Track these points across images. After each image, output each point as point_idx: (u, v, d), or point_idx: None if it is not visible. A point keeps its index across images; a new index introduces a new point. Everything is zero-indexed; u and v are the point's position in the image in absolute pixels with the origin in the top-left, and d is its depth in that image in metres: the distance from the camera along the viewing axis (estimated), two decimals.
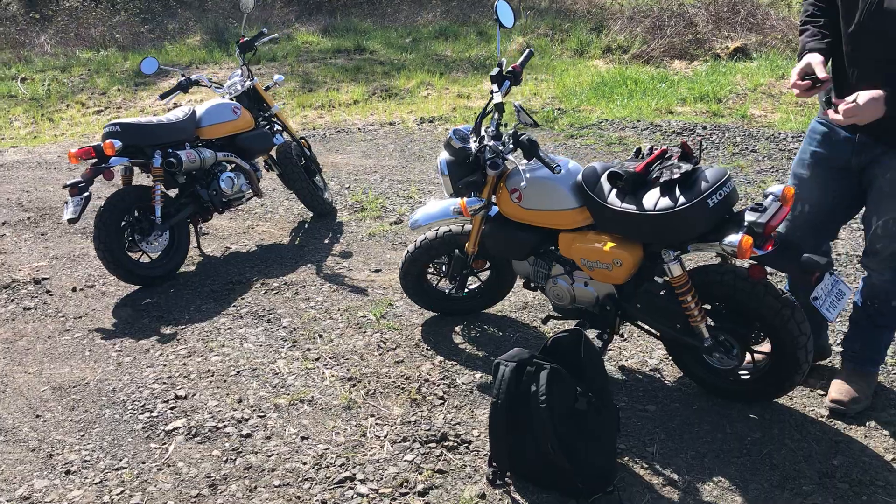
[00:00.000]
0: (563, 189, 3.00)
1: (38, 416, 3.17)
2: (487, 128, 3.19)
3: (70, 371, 3.53)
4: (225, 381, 3.37)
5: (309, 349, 3.60)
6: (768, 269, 2.73)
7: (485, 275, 3.75)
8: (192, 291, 4.34)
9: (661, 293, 2.92)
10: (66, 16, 14.74)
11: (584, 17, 12.26)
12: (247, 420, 3.07)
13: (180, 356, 3.61)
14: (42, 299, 4.31)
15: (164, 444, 2.95)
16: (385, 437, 2.92)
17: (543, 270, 3.22)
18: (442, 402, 3.14)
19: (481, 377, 3.29)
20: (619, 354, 3.41)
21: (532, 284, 3.38)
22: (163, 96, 5.02)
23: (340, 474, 2.72)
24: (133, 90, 10.51)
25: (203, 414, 3.12)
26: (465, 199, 3.28)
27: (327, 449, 2.87)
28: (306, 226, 5.30)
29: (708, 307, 2.93)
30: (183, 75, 5.11)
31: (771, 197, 2.68)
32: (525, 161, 3.04)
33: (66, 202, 4.13)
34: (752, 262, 2.68)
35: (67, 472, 2.80)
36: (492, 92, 3.20)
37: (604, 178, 2.93)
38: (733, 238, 2.59)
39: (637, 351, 3.43)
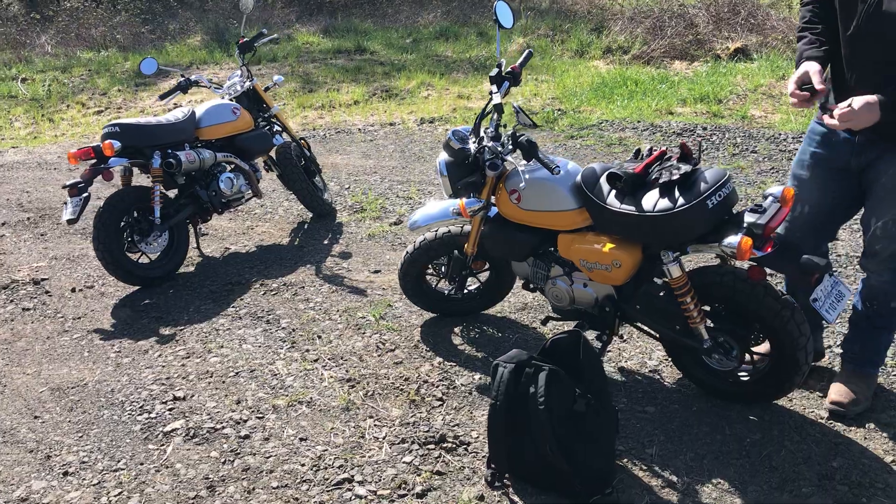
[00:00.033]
0: (563, 190, 3.00)
1: (36, 417, 3.17)
2: (487, 129, 3.19)
3: (69, 372, 3.52)
4: (223, 382, 3.36)
5: (308, 350, 3.59)
6: (768, 271, 2.73)
7: (484, 276, 3.74)
8: (192, 292, 4.34)
9: (661, 294, 2.91)
10: (66, 16, 14.75)
11: (585, 17, 12.25)
12: (245, 421, 3.06)
13: (179, 357, 3.60)
14: (41, 300, 4.31)
15: (163, 445, 2.95)
16: (384, 438, 2.92)
17: (542, 271, 3.22)
18: (441, 403, 3.13)
19: (480, 378, 3.28)
20: (619, 356, 3.40)
21: (531, 286, 3.37)
22: (162, 97, 5.02)
23: (339, 476, 2.71)
24: (133, 91, 10.50)
25: (201, 415, 3.12)
26: (465, 199, 3.28)
27: (326, 450, 2.86)
28: (306, 226, 5.30)
29: (707, 308, 2.92)
30: (182, 76, 5.11)
31: (770, 198, 2.67)
32: (524, 162, 3.04)
33: (66, 203, 4.13)
34: (751, 263, 2.67)
35: (65, 474, 2.80)
36: (491, 93, 3.19)
37: (603, 179, 2.92)
38: (733, 239, 2.58)
39: (636, 352, 3.42)
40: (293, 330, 3.79)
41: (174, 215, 4.49)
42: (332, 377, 3.35)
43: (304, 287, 4.29)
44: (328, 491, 2.65)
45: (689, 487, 2.59)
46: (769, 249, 2.58)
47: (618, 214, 2.81)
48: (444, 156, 3.30)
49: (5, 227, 5.53)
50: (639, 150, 3.00)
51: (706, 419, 2.93)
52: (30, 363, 3.62)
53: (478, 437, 2.89)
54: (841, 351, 3.04)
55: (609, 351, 3.41)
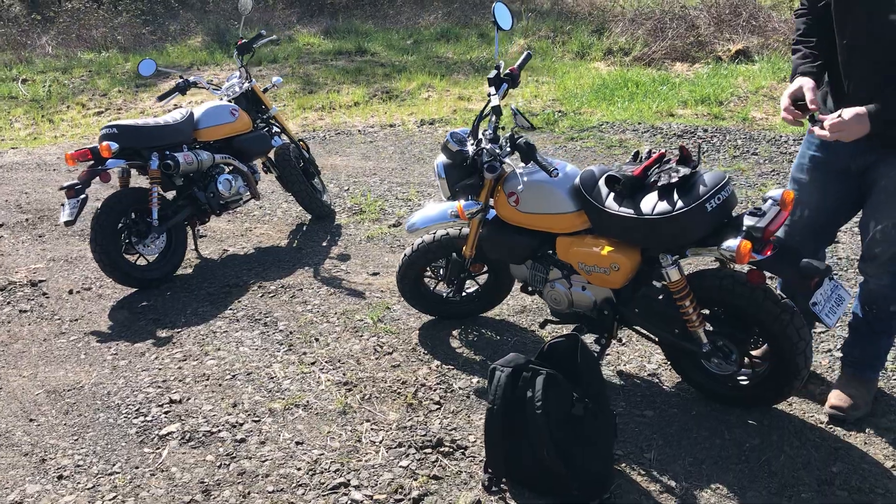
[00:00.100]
0: (561, 193, 2.98)
1: (31, 420, 3.15)
2: (485, 131, 3.17)
3: (65, 374, 3.51)
4: (220, 385, 3.34)
5: (305, 353, 3.57)
6: (767, 274, 2.71)
7: (482, 278, 3.72)
8: (189, 294, 4.32)
9: (660, 298, 2.90)
10: (67, 17, 14.75)
11: (586, 19, 12.24)
12: (241, 425, 3.04)
13: (176, 360, 3.59)
14: (38, 302, 4.29)
15: (158, 448, 2.93)
16: (380, 442, 2.90)
17: (541, 274, 3.20)
18: (438, 407, 3.11)
19: (478, 382, 3.27)
20: (618, 359, 3.38)
21: (530, 288, 3.35)
22: (161, 98, 5.01)
23: (335, 480, 2.69)
24: (134, 91, 10.50)
25: (197, 418, 3.10)
26: (463, 202, 3.26)
27: (322, 454, 2.84)
28: (304, 228, 5.29)
29: (706, 312, 2.90)
30: (181, 77, 5.09)
31: (770, 201, 2.65)
32: (522, 164, 3.02)
33: (63, 204, 4.11)
34: (750, 266, 2.66)
35: (60, 477, 2.78)
36: (489, 95, 3.18)
37: (601, 182, 2.91)
38: (732, 243, 2.56)
39: (635, 355, 3.40)
40: (290, 333, 3.78)
41: (172, 217, 4.47)
42: (329, 380, 3.33)
43: (302, 289, 4.27)
44: (324, 495, 2.63)
45: (688, 492, 2.57)
46: (769, 253, 2.56)
47: (616, 217, 2.79)
48: (442, 158, 3.29)
49: (3, 229, 5.51)
50: (637, 153, 2.98)
51: (705, 423, 2.91)
52: (26, 365, 3.60)
53: (475, 441, 2.87)
54: (841, 355, 3.01)
55: (608, 354, 3.39)
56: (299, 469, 2.77)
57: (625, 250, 2.85)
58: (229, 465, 2.81)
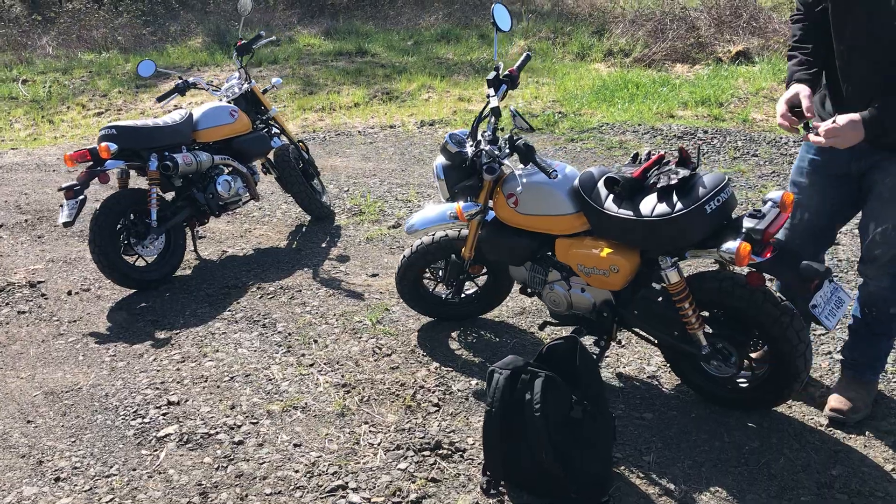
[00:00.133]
0: (560, 194, 2.97)
1: (29, 422, 3.14)
2: (484, 132, 3.16)
3: (63, 376, 3.50)
4: (218, 386, 3.34)
5: (303, 355, 3.57)
6: (766, 276, 2.70)
7: (482, 280, 3.72)
8: (188, 295, 4.31)
9: (659, 300, 2.89)
10: (68, 18, 14.74)
11: (586, 20, 12.24)
12: (239, 427, 3.03)
13: (174, 361, 3.58)
14: (37, 303, 4.29)
15: (156, 450, 2.92)
16: (378, 444, 2.89)
17: (540, 276, 3.19)
18: (437, 409, 3.10)
19: (477, 384, 3.26)
20: (617, 361, 3.37)
21: (529, 290, 3.35)
22: (160, 99, 5.01)
23: (333, 483, 2.68)
24: (134, 92, 10.49)
25: (195, 420, 3.09)
26: (462, 203, 3.25)
27: (320, 457, 2.83)
28: (304, 229, 5.28)
29: (706, 314, 2.89)
30: (180, 78, 5.09)
31: (770, 203, 2.65)
32: (521, 166, 3.02)
33: (62, 205, 4.11)
34: (750, 269, 2.65)
35: (57, 479, 2.77)
36: (488, 96, 3.17)
37: (601, 184, 2.90)
38: (731, 245, 2.56)
39: (635, 358, 3.39)
40: (289, 334, 3.77)
41: (171, 218, 4.46)
42: (327, 382, 3.33)
43: (300, 291, 4.26)
44: (322, 498, 2.62)
45: (687, 496, 2.56)
46: (768, 255, 2.55)
47: (615, 219, 2.79)
48: (441, 159, 3.28)
49: (3, 230, 5.51)
50: (637, 155, 2.98)
51: (704, 426, 2.90)
52: (24, 367, 3.60)
53: (474, 444, 2.86)
54: (841, 357, 3.00)
55: (607, 356, 3.38)
56: (297, 471, 2.76)
57: (624, 252, 2.84)
58: (227, 467, 2.80)
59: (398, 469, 2.75)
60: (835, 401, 2.89)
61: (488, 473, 2.63)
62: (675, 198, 2.67)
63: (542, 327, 3.38)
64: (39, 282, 4.55)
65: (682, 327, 2.84)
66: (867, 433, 2.81)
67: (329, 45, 12.66)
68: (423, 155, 6.93)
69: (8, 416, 3.20)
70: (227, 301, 4.20)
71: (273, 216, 5.58)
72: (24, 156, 7.77)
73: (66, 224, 4.05)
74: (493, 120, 3.13)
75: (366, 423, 3.03)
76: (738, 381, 2.93)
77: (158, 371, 3.50)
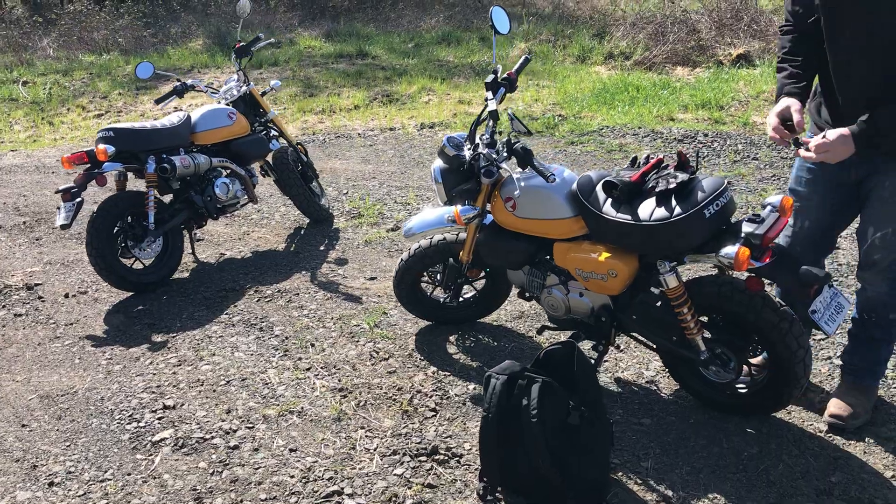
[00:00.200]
0: (558, 198, 2.95)
1: (24, 426, 3.13)
2: (482, 135, 3.15)
3: (59, 379, 3.48)
4: (214, 390, 3.32)
5: (300, 358, 3.55)
6: (766, 281, 2.68)
7: (480, 284, 3.70)
8: (185, 298, 4.29)
9: (657, 304, 2.87)
10: (69, 19, 14.75)
11: (587, 23, 12.24)
12: (235, 431, 3.02)
13: (170, 365, 3.56)
14: (34, 305, 4.27)
15: (151, 455, 2.90)
16: (375, 449, 2.87)
17: (538, 280, 3.17)
18: (434, 414, 3.08)
19: (475, 389, 3.24)
20: (616, 366, 3.35)
21: (527, 294, 3.33)
22: (158, 101, 4.99)
23: (328, 488, 2.67)
24: (134, 94, 10.49)
25: (191, 424, 3.07)
26: (459, 207, 3.24)
27: (315, 462, 2.81)
28: (302, 232, 5.26)
29: (704, 319, 2.87)
30: (178, 80, 5.08)
31: (769, 207, 2.63)
32: (519, 169, 3.00)
33: (59, 208, 4.09)
34: (749, 273, 2.63)
35: (51, 484, 2.75)
36: (486, 99, 3.16)
37: (599, 188, 2.88)
38: (730, 249, 2.54)
39: (633, 362, 3.37)
40: (286, 338, 3.75)
41: (168, 220, 4.45)
42: (324, 386, 3.31)
43: (298, 294, 4.24)
44: (317, 503, 2.60)
45: (685, 502, 2.54)
46: (767, 260, 2.53)
47: (613, 223, 2.77)
48: (438, 163, 3.26)
49: (0, 232, 5.49)
50: (635, 158, 2.96)
51: (703, 432, 2.88)
52: (20, 370, 3.58)
53: (470, 449, 2.84)
54: (840, 363, 2.98)
55: (606, 361, 3.36)
56: (292, 476, 2.74)
57: (622, 256, 2.82)
58: (222, 472, 2.78)
59: (394, 475, 2.73)
60: (834, 406, 2.87)
61: (485, 479, 2.61)
62: (673, 202, 2.66)
63: (540, 332, 3.36)
64: (36, 284, 4.53)
65: (680, 332, 2.82)
66: (867, 439, 2.79)
67: (329, 48, 12.66)
68: (423, 158, 6.92)
69: (2, 419, 3.18)
70: (224, 304, 4.18)
71: (271, 219, 5.56)
72: (23, 157, 7.76)
73: (63, 227, 4.04)
74: (491, 123, 3.12)
75: (362, 427, 3.01)
76: (737, 386, 2.91)
77: (155, 375, 3.48)
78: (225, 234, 5.27)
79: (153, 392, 3.33)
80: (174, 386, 3.37)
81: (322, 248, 4.93)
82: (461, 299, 3.69)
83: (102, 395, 3.33)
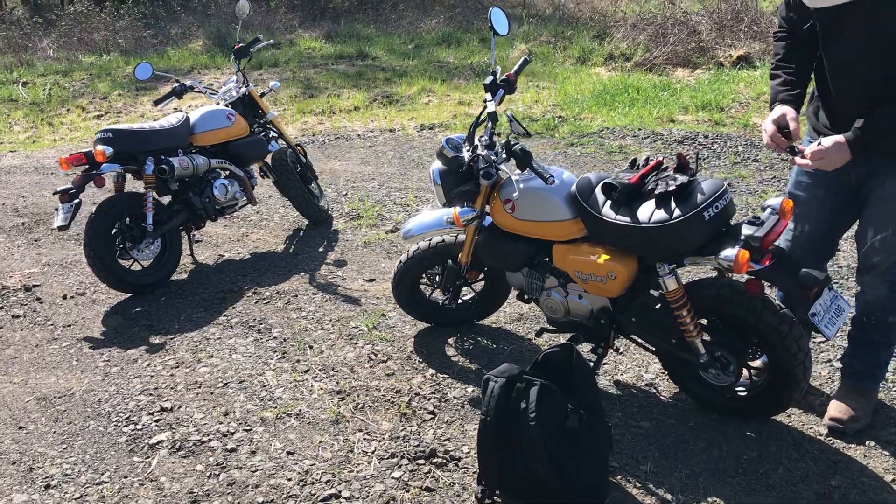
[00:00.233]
0: (557, 200, 2.94)
1: (20, 428, 3.11)
2: (481, 137, 3.14)
3: (56, 381, 3.47)
4: (212, 393, 3.30)
5: (298, 361, 3.53)
6: (765, 284, 2.67)
7: (479, 286, 3.69)
8: (183, 300, 4.28)
9: (657, 307, 2.86)
10: (69, 20, 14.75)
11: (587, 24, 12.23)
12: (232, 434, 3.00)
13: (168, 367, 3.55)
14: (31, 307, 4.26)
15: (148, 457, 2.89)
16: (373, 452, 2.86)
17: (537, 282, 3.16)
18: (432, 416, 3.07)
19: (473, 391, 3.22)
20: (615, 368, 3.34)
21: (526, 296, 3.32)
22: (157, 102, 4.98)
23: (326, 491, 2.65)
24: (134, 95, 10.48)
25: (188, 427, 3.06)
26: (458, 209, 3.23)
27: (313, 465, 2.80)
28: (301, 233, 5.25)
29: (704, 322, 2.86)
30: (177, 81, 5.07)
31: (769, 210, 2.62)
32: (518, 171, 2.99)
33: (57, 209, 4.08)
34: (749, 276, 2.62)
35: (47, 487, 2.74)
36: (485, 101, 3.15)
37: (598, 190, 2.87)
38: (730, 252, 2.53)
39: (633, 365, 3.36)
40: (284, 340, 3.74)
41: (167, 222, 4.43)
42: (322, 389, 3.29)
43: (297, 296, 4.23)
44: None
45: None
46: (767, 262, 2.52)
47: (613, 225, 2.76)
48: (437, 164, 3.26)
49: None
50: (635, 160, 2.95)
51: (703, 435, 2.87)
52: (17, 372, 3.57)
53: (469, 452, 2.83)
54: (840, 366, 2.97)
55: (605, 364, 3.35)
56: (290, 479, 2.73)
57: (621, 259, 2.81)
58: (219, 475, 2.77)
59: (392, 478, 2.72)
60: (834, 410, 2.85)
61: (483, 483, 2.60)
62: (672, 204, 2.65)
63: (538, 334, 3.35)
64: (35, 285, 4.52)
65: (680, 335, 2.81)
66: (867, 443, 2.78)
67: (330, 49, 12.66)
68: (423, 159, 6.91)
69: (0, 422, 3.17)
70: (222, 306, 4.17)
71: (270, 220, 5.55)
72: (22, 158, 7.75)
73: (61, 228, 4.03)
74: (489, 125, 3.11)
75: (360, 430, 3.00)
76: (737, 389, 2.90)
77: (152, 377, 3.47)
78: (223, 236, 5.26)
79: (150, 394, 3.32)
80: (171, 388, 3.36)
81: (321, 249, 4.92)
82: (460, 301, 3.68)
83: (100, 398, 3.31)
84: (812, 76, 2.67)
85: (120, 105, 10.08)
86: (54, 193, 4.14)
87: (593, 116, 7.87)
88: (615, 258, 2.81)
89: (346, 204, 5.74)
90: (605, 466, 2.62)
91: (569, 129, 7.42)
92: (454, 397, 3.19)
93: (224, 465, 2.82)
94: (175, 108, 8.45)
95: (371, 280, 4.40)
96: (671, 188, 2.66)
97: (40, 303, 4.31)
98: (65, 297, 4.36)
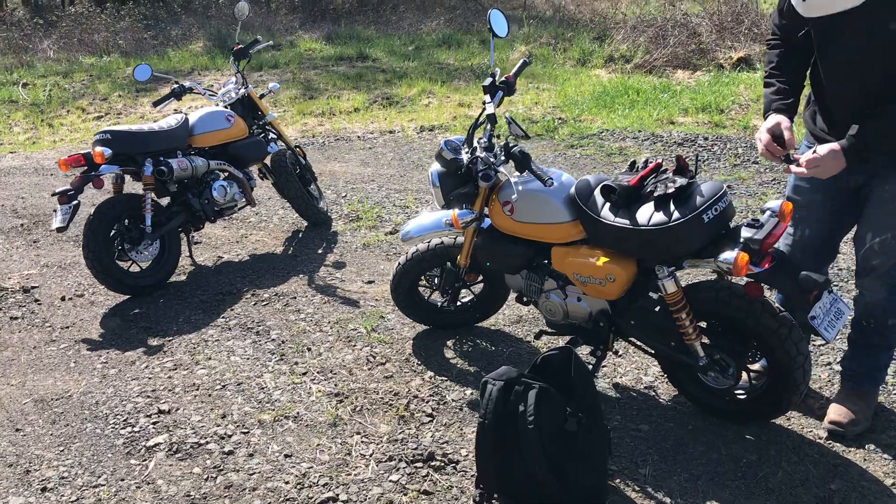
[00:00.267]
0: (556, 202, 2.94)
1: (17, 430, 3.10)
2: (480, 139, 3.13)
3: (53, 383, 3.46)
4: (210, 395, 3.29)
5: (297, 363, 3.52)
6: (765, 287, 2.66)
7: (478, 288, 3.68)
8: (182, 302, 4.27)
9: (656, 310, 2.85)
10: (70, 21, 14.76)
11: (587, 26, 12.22)
12: (230, 436, 2.99)
13: (166, 369, 3.54)
14: (30, 308, 4.25)
15: (145, 460, 2.88)
16: (370, 455, 2.85)
17: (536, 285, 3.15)
18: (430, 419, 3.06)
19: (472, 394, 3.21)
20: (614, 371, 3.33)
21: (525, 299, 3.31)
22: (156, 103, 4.98)
23: (323, 494, 2.64)
24: (134, 96, 10.48)
25: (185, 429, 3.05)
26: (457, 211, 3.22)
27: (311, 468, 2.79)
28: (300, 235, 5.24)
29: (703, 325, 2.85)
30: (176, 82, 5.06)
31: (768, 212, 2.61)
32: (517, 173, 2.98)
33: (55, 210, 4.07)
34: (748, 279, 2.61)
35: (43, 489, 2.73)
36: (484, 102, 3.14)
37: (597, 192, 2.86)
38: (729, 255, 2.52)
39: (632, 368, 3.35)
40: (283, 342, 3.73)
41: (165, 223, 4.43)
42: (320, 391, 3.28)
43: (295, 297, 4.22)
44: None
45: None
46: (766, 265, 2.51)
47: (612, 228, 2.75)
48: (436, 166, 3.25)
49: None
50: (634, 162, 2.94)
51: (702, 438, 2.86)
52: (14, 373, 3.56)
53: (467, 456, 2.82)
54: (840, 369, 2.96)
55: (604, 366, 3.34)
56: (287, 482, 2.71)
57: (620, 261, 2.80)
58: (216, 477, 2.76)
59: (390, 481, 2.70)
60: (834, 413, 2.84)
61: (481, 486, 2.59)
62: (672, 207, 2.64)
63: (537, 336, 3.34)
64: (33, 287, 4.52)
65: (679, 338, 2.80)
66: (867, 446, 2.77)
67: (330, 50, 12.66)
68: (423, 161, 6.90)
69: None
70: (221, 308, 4.16)
71: (269, 222, 5.54)
72: (22, 159, 7.75)
73: (59, 229, 4.02)
74: (489, 127, 3.10)
75: (358, 433, 2.99)
76: (736, 392, 2.89)
77: (150, 379, 3.46)
78: (222, 238, 5.25)
79: (148, 396, 3.31)
80: (169, 390, 3.35)
81: (320, 251, 4.91)
82: (459, 303, 3.67)
83: (97, 400, 3.30)
84: (806, 83, 2.67)
85: (120, 106, 10.07)
86: (53, 195, 4.13)
87: (593, 118, 7.87)
88: (614, 261, 2.80)
89: (346, 205, 5.73)
90: (604, 470, 2.61)
91: (568, 131, 7.42)
92: (452, 400, 3.18)
93: (221, 467, 2.81)
94: (174, 110, 8.45)
95: (370, 282, 4.39)
96: (670, 190, 2.66)
97: (38, 304, 4.30)
98: (63, 299, 4.36)
